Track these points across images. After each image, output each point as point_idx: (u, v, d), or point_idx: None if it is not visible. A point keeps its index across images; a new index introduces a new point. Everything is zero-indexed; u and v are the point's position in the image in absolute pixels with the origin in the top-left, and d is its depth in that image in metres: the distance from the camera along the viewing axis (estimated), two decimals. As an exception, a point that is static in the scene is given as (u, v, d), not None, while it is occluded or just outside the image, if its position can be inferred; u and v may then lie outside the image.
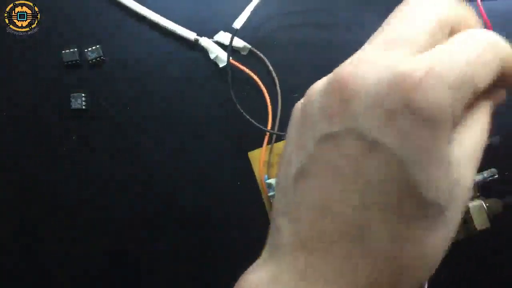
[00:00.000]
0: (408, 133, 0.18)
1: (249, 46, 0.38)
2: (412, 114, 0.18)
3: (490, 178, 0.31)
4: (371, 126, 0.19)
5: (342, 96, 0.19)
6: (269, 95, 0.36)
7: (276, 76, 0.37)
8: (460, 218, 0.20)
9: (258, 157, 0.37)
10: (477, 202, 0.31)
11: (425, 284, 0.31)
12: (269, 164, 0.37)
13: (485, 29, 0.21)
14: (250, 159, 0.37)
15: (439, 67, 0.18)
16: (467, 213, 0.31)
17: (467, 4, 0.22)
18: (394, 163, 0.18)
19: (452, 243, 0.32)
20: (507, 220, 0.32)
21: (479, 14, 0.24)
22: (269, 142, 0.37)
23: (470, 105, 0.21)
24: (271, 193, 0.35)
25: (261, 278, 0.21)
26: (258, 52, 0.37)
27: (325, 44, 0.37)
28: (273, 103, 0.37)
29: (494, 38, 0.20)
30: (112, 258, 0.38)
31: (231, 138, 0.38)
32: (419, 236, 0.19)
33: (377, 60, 0.19)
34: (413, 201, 0.18)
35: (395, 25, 0.20)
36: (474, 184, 0.31)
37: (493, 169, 0.31)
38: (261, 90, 0.37)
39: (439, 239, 0.19)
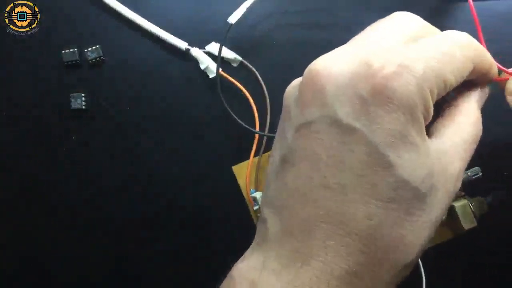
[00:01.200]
0: (379, 118, 0.20)
1: (240, 58, 0.38)
2: (383, 101, 0.20)
3: (474, 177, 0.32)
4: (344, 112, 0.20)
5: (315, 86, 0.21)
6: (258, 107, 0.37)
7: (267, 87, 0.37)
8: (445, 207, 0.22)
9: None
10: (463, 202, 0.32)
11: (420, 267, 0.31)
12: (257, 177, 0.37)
13: (459, 31, 0.23)
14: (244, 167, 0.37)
15: (409, 60, 0.20)
16: (453, 213, 0.31)
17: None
18: (367, 146, 0.20)
19: (441, 243, 0.33)
20: (494, 219, 0.33)
21: (470, 14, 0.26)
22: (256, 153, 0.37)
23: (456, 102, 0.24)
24: (256, 207, 0.35)
25: (250, 265, 0.22)
26: (249, 64, 0.38)
27: (325, 44, 0.37)
28: (263, 113, 0.37)
29: (464, 39, 0.22)
30: (111, 258, 0.38)
31: (231, 139, 0.38)
32: (397, 219, 0.20)
33: (351, 54, 0.21)
34: (388, 182, 0.20)
35: (370, 31, 0.22)
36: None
37: (476, 168, 0.32)
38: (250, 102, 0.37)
39: (419, 224, 0.21)
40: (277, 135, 0.24)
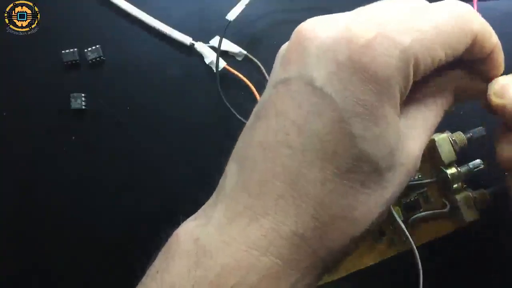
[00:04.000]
0: (352, 87, 0.20)
1: (244, 52, 0.39)
2: (358, 70, 0.19)
3: (476, 170, 0.32)
4: (320, 75, 0.20)
5: (300, 45, 0.21)
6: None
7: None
8: (402, 186, 0.22)
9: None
10: (465, 194, 0.32)
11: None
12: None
13: (460, 2, 0.22)
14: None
15: (395, 30, 0.20)
16: (455, 205, 0.32)
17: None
18: (335, 112, 0.20)
19: (443, 236, 0.33)
20: (496, 210, 0.33)
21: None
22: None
23: (436, 83, 0.23)
24: None
25: (197, 223, 0.22)
26: (254, 58, 0.39)
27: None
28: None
29: (463, 10, 0.22)
30: (111, 258, 0.39)
31: (231, 138, 0.39)
32: (351, 190, 0.20)
33: (341, 20, 0.21)
34: (349, 153, 0.20)
35: (369, 5, 0.22)
36: (460, 176, 0.32)
37: (478, 160, 0.32)
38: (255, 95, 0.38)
39: (372, 199, 0.21)
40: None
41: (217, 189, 0.23)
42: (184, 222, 0.23)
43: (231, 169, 0.23)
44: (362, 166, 0.20)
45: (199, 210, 0.24)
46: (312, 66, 0.21)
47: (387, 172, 0.21)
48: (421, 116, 0.23)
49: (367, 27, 0.20)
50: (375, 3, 0.22)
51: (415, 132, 0.22)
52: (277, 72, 0.22)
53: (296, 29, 0.22)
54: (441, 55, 0.21)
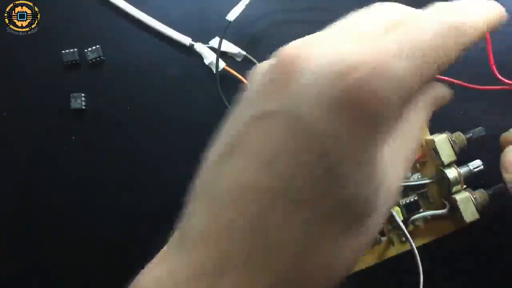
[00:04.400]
0: (342, 125, 0.17)
1: (243, 52, 0.39)
2: (350, 107, 0.17)
3: (476, 170, 0.32)
4: (306, 109, 0.17)
5: (284, 74, 0.19)
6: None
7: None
8: (379, 228, 0.20)
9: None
10: (465, 195, 0.32)
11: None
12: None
13: (449, 3, 0.20)
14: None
15: (388, 59, 0.17)
16: (455, 206, 0.32)
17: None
18: (320, 153, 0.17)
19: (443, 236, 0.33)
20: (496, 211, 0.33)
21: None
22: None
23: (413, 101, 0.21)
24: None
25: (157, 275, 0.19)
26: (253, 59, 0.39)
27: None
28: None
29: (457, 16, 0.19)
30: (111, 258, 0.39)
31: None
32: (330, 239, 0.18)
33: (327, 44, 0.19)
34: (333, 198, 0.18)
35: (353, 17, 0.20)
36: (460, 176, 0.32)
37: (478, 161, 0.32)
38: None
39: (351, 247, 0.19)
40: (232, 115, 0.21)
41: (180, 230, 0.20)
42: (142, 273, 0.20)
43: (197, 209, 0.20)
44: (343, 214, 0.18)
45: (160, 253, 0.21)
46: (298, 99, 0.18)
47: (368, 218, 0.19)
48: (397, 149, 0.20)
49: (360, 57, 0.17)
50: (356, 16, 0.20)
51: (393, 168, 0.20)
52: (255, 101, 0.19)
53: (279, 53, 0.19)
54: (434, 74, 0.19)
